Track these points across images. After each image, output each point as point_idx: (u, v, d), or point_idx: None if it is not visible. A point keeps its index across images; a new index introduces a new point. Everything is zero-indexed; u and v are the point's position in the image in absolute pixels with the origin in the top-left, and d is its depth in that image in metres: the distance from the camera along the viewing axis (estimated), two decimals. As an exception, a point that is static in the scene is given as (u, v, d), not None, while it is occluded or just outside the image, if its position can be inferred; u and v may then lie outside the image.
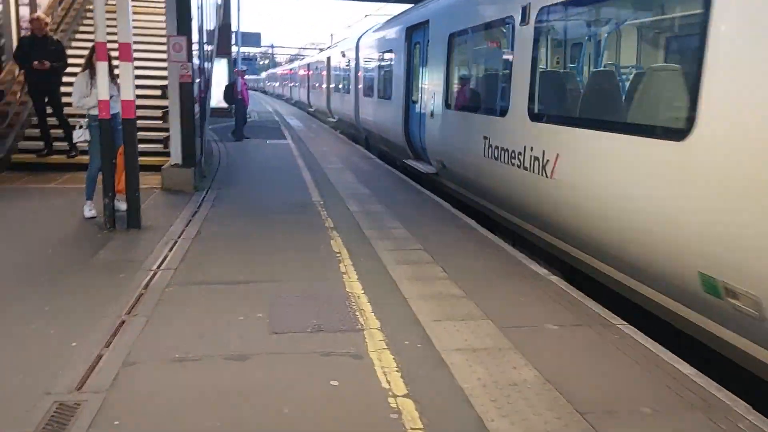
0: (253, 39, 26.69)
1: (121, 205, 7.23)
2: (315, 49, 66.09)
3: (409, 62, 11.42)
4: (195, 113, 9.03)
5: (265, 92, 69.25)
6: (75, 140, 7.01)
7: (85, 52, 7.14)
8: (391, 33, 13.17)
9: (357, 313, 4.29)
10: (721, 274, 3.72)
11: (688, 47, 4.16)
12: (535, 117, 6.11)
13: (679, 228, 4.04)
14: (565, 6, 5.75)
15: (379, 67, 14.43)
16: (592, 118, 5.21)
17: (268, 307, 4.34)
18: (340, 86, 21.01)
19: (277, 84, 59.05)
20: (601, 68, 5.77)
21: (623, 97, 5.05)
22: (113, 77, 7.01)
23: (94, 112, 6.89)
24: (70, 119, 9.32)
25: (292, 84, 43.07)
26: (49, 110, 9.72)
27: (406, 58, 11.47)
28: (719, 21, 3.70)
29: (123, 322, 4.04)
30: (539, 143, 5.86)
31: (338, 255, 5.73)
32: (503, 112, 6.86)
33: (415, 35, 11.12)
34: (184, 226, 6.74)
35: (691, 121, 3.87)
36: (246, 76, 23.81)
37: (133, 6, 14.51)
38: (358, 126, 17.81)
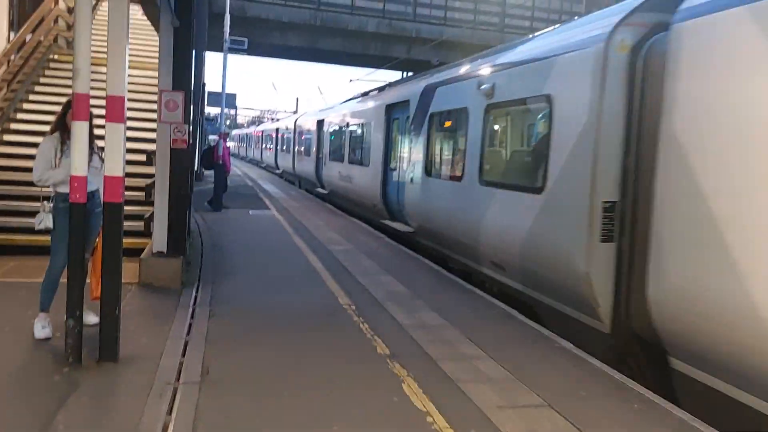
0: (229, 99, 25.20)
1: (91, 318, 5.23)
2: (278, 112, 65.89)
3: (387, 134, 12.59)
4: (189, 187, 7.14)
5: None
6: (36, 227, 5.04)
7: (47, 109, 5.24)
8: (369, 107, 14.45)
9: None
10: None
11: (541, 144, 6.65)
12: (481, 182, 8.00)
13: (538, 239, 6.45)
14: (498, 108, 7.80)
15: (352, 136, 15.70)
16: (507, 182, 7.47)
17: None
18: (310, 149, 21.98)
19: (242, 145, 58.04)
20: (516, 149, 7.87)
21: (527, 170, 7.12)
22: (93, 144, 5.15)
23: (64, 189, 4.96)
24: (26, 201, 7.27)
25: (258, 146, 43.92)
26: None
27: (385, 131, 12.66)
28: (556, 126, 6.25)
29: None
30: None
31: (432, 424, 3.80)
32: (459, 178, 8.69)
33: (394, 112, 12.30)
34: (181, 355, 4.73)
35: (541, 184, 6.41)
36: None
37: None
38: (321, 184, 19.51)
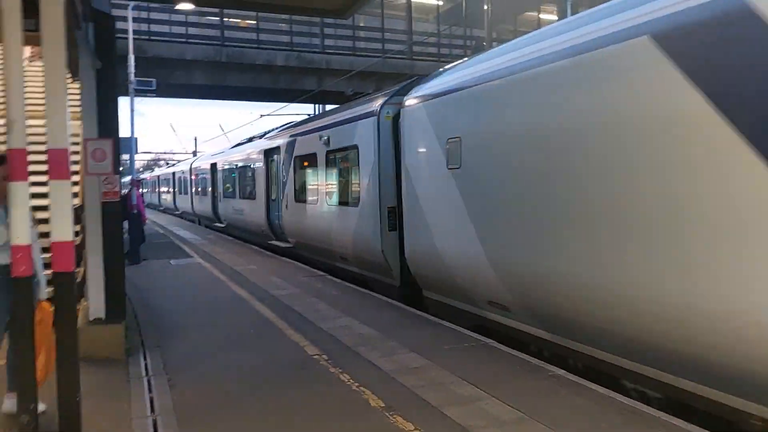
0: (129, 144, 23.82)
1: (38, 405, 4.47)
2: (176, 153, 64.21)
3: (267, 173, 15.85)
4: (123, 242, 6.44)
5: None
6: None
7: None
8: (252, 151, 17.45)
9: None
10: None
11: (355, 176, 10.21)
12: (328, 203, 11.56)
13: (359, 236, 9.89)
14: (333, 153, 11.31)
15: (240, 176, 18.55)
16: (342, 201, 10.89)
17: None
18: (206, 189, 24.18)
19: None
20: (344, 180, 10.89)
21: (350, 193, 10.40)
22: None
23: (2, 260, 4.25)
24: None
25: (155, 190, 45.88)
26: None
27: (266, 170, 15.88)
28: (361, 164, 9.89)
29: None
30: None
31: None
32: (316, 202, 12.12)
33: (270, 155, 15.61)
34: (155, 440, 4.11)
35: (357, 201, 9.88)
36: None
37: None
38: (218, 219, 22.11)
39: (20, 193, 3.55)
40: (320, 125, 12.06)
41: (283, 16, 22.73)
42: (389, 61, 22.07)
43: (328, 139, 11.25)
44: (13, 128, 3.50)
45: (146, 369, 5.67)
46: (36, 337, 4.40)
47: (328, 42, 22.65)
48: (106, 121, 6.20)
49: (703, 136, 4.11)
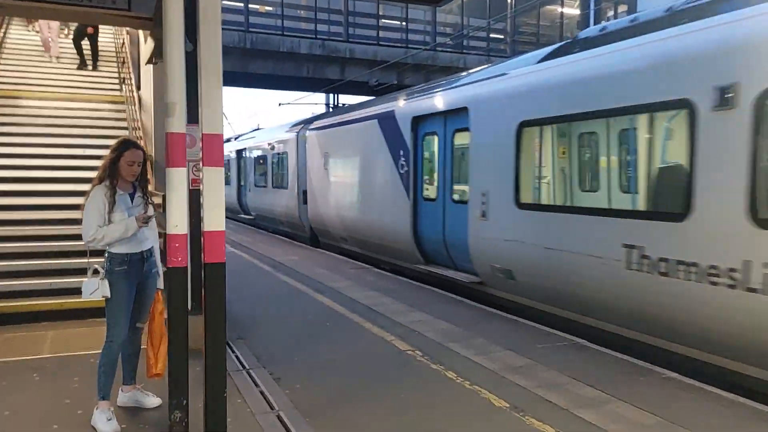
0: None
1: (150, 400, 4.39)
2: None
3: (238, 166, 22.47)
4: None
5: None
6: (85, 296, 4.12)
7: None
8: (229, 150, 23.22)
9: None
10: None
11: (285, 169, 17.03)
12: (273, 186, 18.20)
13: (288, 209, 16.67)
14: (274, 155, 18.34)
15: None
16: (278, 186, 17.68)
17: None
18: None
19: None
20: (280, 172, 17.56)
21: (284, 180, 16.96)
22: (147, 191, 4.35)
23: (119, 250, 4.13)
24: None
25: None
26: None
27: (237, 164, 22.49)
28: (288, 162, 16.73)
29: None
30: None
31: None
32: (265, 186, 18.89)
33: (240, 153, 22.22)
34: (291, 436, 4.00)
35: (287, 186, 16.76)
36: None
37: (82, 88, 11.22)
38: None
39: (179, 180, 3.41)
40: (268, 138, 18.65)
41: (307, 3, 22.48)
42: (411, 53, 21.87)
43: (272, 147, 17.84)
44: (174, 111, 3.36)
45: (240, 362, 5.56)
46: (156, 327, 4.32)
47: (352, 31, 22.40)
48: (193, 108, 6.02)
49: (382, 155, 10.95)
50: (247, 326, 6.84)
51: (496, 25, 24.77)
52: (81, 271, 6.74)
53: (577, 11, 26.20)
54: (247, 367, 5.41)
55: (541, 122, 7.24)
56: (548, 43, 12.70)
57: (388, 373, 5.29)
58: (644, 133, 6.17)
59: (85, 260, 4.54)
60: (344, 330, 6.70)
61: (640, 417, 4.25)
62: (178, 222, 3.41)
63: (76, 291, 6.12)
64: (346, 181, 12.56)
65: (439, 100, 9.52)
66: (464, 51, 23.66)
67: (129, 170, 4.18)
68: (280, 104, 26.00)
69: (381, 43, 22.54)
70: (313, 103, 25.65)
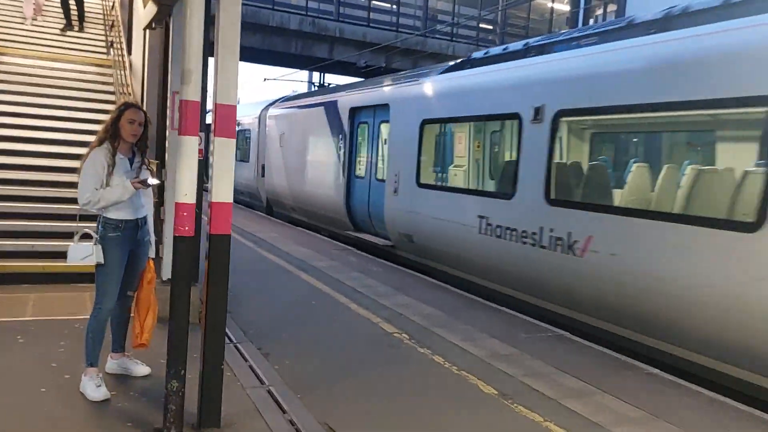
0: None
1: (139, 368, 4.35)
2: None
3: (207, 138, 24.23)
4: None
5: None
6: (73, 261, 4.02)
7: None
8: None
9: None
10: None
11: (248, 145, 18.97)
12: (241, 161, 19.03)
13: (251, 181, 18.28)
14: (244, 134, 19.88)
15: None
16: (241, 160, 19.08)
17: None
18: None
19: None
20: (244, 147, 19.39)
21: (246, 154, 18.92)
22: (145, 157, 4.27)
23: (115, 215, 4.06)
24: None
25: None
26: None
27: (206, 137, 24.20)
28: (252, 139, 18.42)
29: None
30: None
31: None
32: (242, 160, 18.98)
33: (207, 128, 22.99)
34: (280, 411, 3.99)
35: (249, 159, 18.64)
36: None
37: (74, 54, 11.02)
38: None
39: (190, 147, 3.35)
40: (238, 115, 21.50)
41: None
42: (401, 37, 21.73)
43: (239, 123, 18.06)
44: (191, 79, 3.29)
45: (227, 336, 5.51)
46: (144, 296, 4.27)
47: (341, 11, 22.16)
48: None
49: (326, 137, 12.88)
50: (230, 300, 6.78)
51: (488, 16, 24.74)
52: (63, 235, 6.68)
53: (567, 7, 26.30)
54: (235, 341, 5.39)
55: (436, 121, 9.41)
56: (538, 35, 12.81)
57: (378, 354, 5.32)
58: (494, 135, 8.60)
59: (72, 224, 4.46)
60: (330, 309, 6.70)
61: (626, 410, 4.35)
62: (187, 191, 3.35)
63: (58, 255, 6.04)
64: (297, 158, 14.53)
65: (371, 95, 11.61)
66: (454, 39, 23.58)
67: (130, 129, 4.09)
68: (265, 79, 25.50)
69: (371, 24, 22.33)
70: (298, 80, 25.39)
